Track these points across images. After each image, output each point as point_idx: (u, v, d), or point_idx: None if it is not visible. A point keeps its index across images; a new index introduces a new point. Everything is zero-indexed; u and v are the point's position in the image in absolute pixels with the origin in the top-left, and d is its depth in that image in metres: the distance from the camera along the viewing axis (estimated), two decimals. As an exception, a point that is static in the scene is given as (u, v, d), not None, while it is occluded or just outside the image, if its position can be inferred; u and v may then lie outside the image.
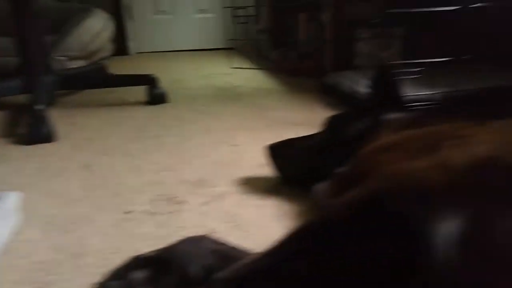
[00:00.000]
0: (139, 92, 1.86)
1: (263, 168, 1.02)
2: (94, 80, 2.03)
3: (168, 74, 2.62)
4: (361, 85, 1.49)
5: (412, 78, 1.31)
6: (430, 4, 1.38)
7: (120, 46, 3.94)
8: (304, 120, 1.45)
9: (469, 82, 1.31)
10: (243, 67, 2.57)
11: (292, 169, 0.89)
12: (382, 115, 0.77)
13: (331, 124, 0.87)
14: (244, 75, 2.48)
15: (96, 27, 2.96)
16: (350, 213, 0.39)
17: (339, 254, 0.37)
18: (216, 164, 1.07)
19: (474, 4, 1.32)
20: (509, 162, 0.39)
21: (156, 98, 1.79)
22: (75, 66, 2.59)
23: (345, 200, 0.42)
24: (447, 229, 0.34)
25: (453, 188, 0.37)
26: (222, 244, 0.62)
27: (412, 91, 1.30)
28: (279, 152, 0.90)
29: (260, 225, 0.75)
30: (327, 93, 1.84)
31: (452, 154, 0.42)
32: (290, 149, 0.89)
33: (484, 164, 0.39)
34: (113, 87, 1.98)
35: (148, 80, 1.82)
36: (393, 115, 0.76)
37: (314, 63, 2.34)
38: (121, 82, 1.93)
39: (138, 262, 0.56)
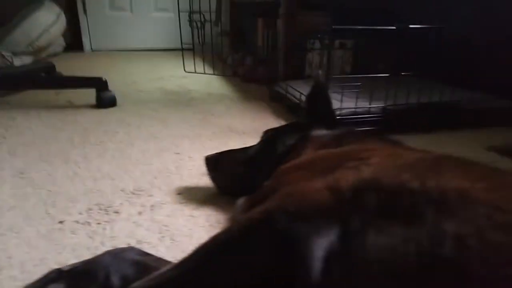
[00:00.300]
0: (88, 94, 1.83)
1: (204, 178, 1.05)
2: (39, 79, 1.97)
3: (122, 75, 2.59)
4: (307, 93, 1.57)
5: (353, 91, 1.39)
6: (375, 22, 1.47)
7: (74, 43, 3.83)
8: (251, 129, 1.50)
9: (408, 96, 1.41)
10: (198, 71, 2.58)
11: (226, 180, 0.93)
12: (310, 132, 0.82)
13: (266, 138, 0.92)
14: (199, 79, 2.50)
15: (46, 21, 2.86)
16: (245, 229, 0.43)
17: (231, 267, 0.41)
18: (156, 172, 1.09)
19: (414, 25, 1.42)
20: (387, 183, 0.45)
21: (105, 101, 1.77)
22: (20, 63, 2.49)
23: (247, 216, 0.47)
24: (322, 245, 0.39)
25: (334, 207, 0.43)
26: (146, 255, 0.64)
27: (350, 104, 1.39)
28: (215, 163, 0.94)
29: (190, 235, 0.78)
30: (276, 101, 1.90)
31: (343, 176, 0.48)
32: (225, 161, 0.93)
33: (365, 186, 0.45)
34: (60, 88, 1.93)
35: (97, 83, 1.80)
36: (320, 132, 0.82)
37: (268, 70, 2.40)
38: (69, 83, 1.89)
39: (58, 274, 0.58)
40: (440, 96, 1.46)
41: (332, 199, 0.44)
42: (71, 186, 0.99)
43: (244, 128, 1.51)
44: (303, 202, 0.44)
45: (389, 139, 0.76)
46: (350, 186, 0.45)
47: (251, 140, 1.36)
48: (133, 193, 0.96)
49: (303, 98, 1.55)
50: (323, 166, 0.57)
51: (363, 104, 1.37)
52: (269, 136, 0.91)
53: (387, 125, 1.38)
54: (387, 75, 1.47)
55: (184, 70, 2.61)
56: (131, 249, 0.65)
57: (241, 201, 0.68)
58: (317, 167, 0.57)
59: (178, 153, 1.23)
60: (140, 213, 0.87)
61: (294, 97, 1.65)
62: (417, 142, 1.37)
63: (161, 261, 0.63)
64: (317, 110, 0.90)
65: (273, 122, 1.59)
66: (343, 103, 1.36)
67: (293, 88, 1.70)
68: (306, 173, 0.55)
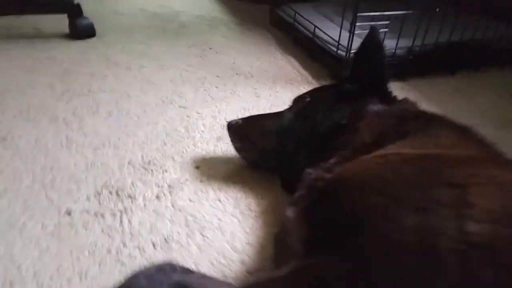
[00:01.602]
0: (58, 19, 1.57)
1: (220, 143, 0.94)
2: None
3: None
4: (322, 25, 1.39)
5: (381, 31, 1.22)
6: None
7: None
8: (258, 70, 1.34)
9: (438, 35, 1.26)
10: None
11: (255, 154, 0.82)
12: (364, 105, 0.70)
13: (304, 106, 0.79)
14: (184, -5, 2.19)
15: None
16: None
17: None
18: (164, 135, 0.96)
19: None
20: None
21: (81, 31, 1.52)
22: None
23: (289, 272, 0.40)
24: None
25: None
26: (188, 272, 0.56)
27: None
28: (241, 133, 0.82)
29: (221, 229, 0.70)
30: (279, 28, 1.70)
31: (443, 229, 0.38)
32: (253, 131, 0.81)
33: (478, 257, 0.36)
34: (22, 13, 1.64)
35: (68, 8, 1.52)
36: (375, 107, 0.70)
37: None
38: (33, 7, 1.59)
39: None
40: (473, 33, 1.31)
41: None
42: (68, 159, 0.86)
43: (251, 69, 1.35)
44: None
45: (456, 124, 0.65)
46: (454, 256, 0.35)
47: (261, 86, 1.22)
48: (144, 168, 0.84)
49: (318, 32, 1.37)
50: (408, 185, 0.47)
51: (390, 45, 1.22)
52: (308, 105, 0.78)
53: (411, 68, 1.25)
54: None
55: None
56: (168, 267, 0.57)
57: (290, 213, 0.59)
58: (400, 187, 0.47)
59: (184, 107, 1.09)
60: (158, 197, 0.77)
61: (305, 28, 1.46)
62: (441, 86, 1.28)
63: (206, 280, 0.55)
64: (367, 78, 0.75)
65: (282, 59, 1.43)
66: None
67: (302, 17, 1.50)
68: (390, 203, 0.45)
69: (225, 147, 0.92)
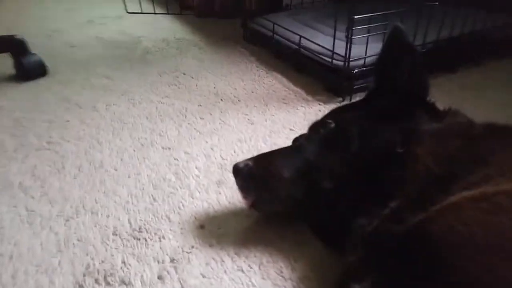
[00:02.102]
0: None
1: (222, 188, 0.78)
2: None
3: (37, 21, 2.01)
4: (307, 35, 1.26)
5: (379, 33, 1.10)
6: None
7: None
8: (244, 93, 1.19)
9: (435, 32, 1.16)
10: (142, 11, 2.09)
11: (275, 203, 0.65)
12: (414, 127, 0.56)
13: (325, 136, 0.64)
14: (141, 19, 2.02)
15: None
16: None
17: None
18: (152, 188, 0.78)
19: None
20: None
21: (29, 70, 1.31)
22: None
23: None
24: None
25: None
26: None
27: (376, 48, 1.12)
28: (253, 179, 0.65)
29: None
30: (255, 43, 1.56)
31: None
32: (269, 174, 0.64)
33: None
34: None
35: (10, 45, 1.32)
36: (428, 126, 0.56)
37: (229, 1, 1.98)
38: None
39: None
40: (472, 26, 1.22)
41: None
42: (32, 239, 0.67)
43: (235, 92, 1.20)
44: None
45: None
46: None
47: (252, 110, 1.07)
48: (135, 237, 0.66)
49: (305, 42, 1.24)
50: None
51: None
52: (336, 132, 0.63)
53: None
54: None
55: (126, 11, 2.09)
56: None
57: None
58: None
59: (169, 148, 0.92)
60: (160, 277, 0.59)
61: (288, 40, 1.33)
62: (446, 85, 1.18)
63: None
64: (400, 77, 0.62)
65: (267, 77, 1.29)
66: (367, 48, 1.08)
67: (283, 28, 1.37)
68: None
69: (230, 194, 0.76)
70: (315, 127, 0.68)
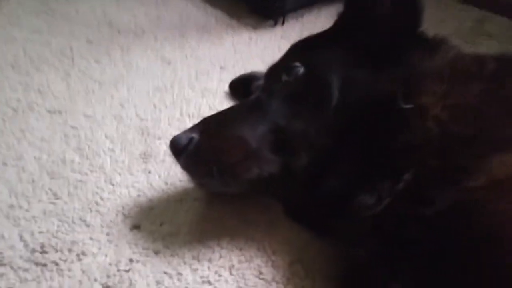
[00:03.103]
0: None
1: (148, 163, 0.58)
2: None
3: None
4: None
5: None
6: None
7: None
8: (146, 21, 0.92)
9: None
10: None
11: (238, 184, 0.49)
12: (414, 70, 0.43)
13: (292, 87, 0.47)
14: None
15: None
16: None
17: None
18: (48, 178, 0.55)
19: None
20: None
21: None
22: None
23: None
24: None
25: None
26: None
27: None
28: (206, 160, 0.46)
29: None
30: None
31: None
32: (227, 151, 0.46)
33: None
34: None
35: None
36: (432, 65, 0.43)
37: None
38: None
39: None
40: None
41: None
42: None
43: (137, 21, 0.93)
44: None
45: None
46: None
47: (165, 45, 0.84)
48: (36, 263, 0.45)
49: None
50: None
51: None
52: (308, 80, 0.47)
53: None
54: None
55: None
56: None
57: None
58: None
59: (59, 112, 0.66)
60: None
61: None
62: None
63: None
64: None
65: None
66: None
67: None
68: None
69: (163, 169, 0.57)
70: (275, 72, 0.51)
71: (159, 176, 0.57)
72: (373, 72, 0.45)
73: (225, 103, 0.70)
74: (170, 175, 0.56)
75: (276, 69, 0.51)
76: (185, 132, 0.48)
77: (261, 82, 0.54)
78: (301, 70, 0.48)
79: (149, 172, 0.57)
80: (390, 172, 0.39)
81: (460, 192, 0.35)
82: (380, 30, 0.48)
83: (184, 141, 0.47)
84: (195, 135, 0.47)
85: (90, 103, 0.68)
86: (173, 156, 0.49)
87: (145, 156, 0.59)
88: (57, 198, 0.52)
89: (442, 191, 0.36)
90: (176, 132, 0.59)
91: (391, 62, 0.45)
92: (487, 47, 0.86)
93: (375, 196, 0.40)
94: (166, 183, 0.56)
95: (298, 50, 0.52)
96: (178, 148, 0.47)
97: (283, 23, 0.91)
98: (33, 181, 0.54)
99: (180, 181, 0.56)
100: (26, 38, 0.83)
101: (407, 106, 0.40)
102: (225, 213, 0.52)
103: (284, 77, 0.49)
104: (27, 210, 0.51)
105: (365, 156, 0.42)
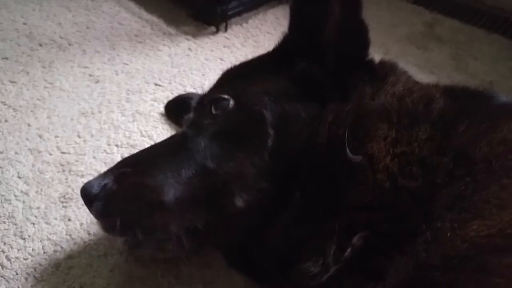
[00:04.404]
0: None
1: (70, 209, 0.52)
2: None
3: None
4: None
5: None
6: None
7: None
8: (72, 30, 0.83)
9: None
10: None
11: (161, 245, 0.43)
12: (360, 102, 0.39)
13: (222, 122, 0.42)
14: None
15: None
16: None
17: None
18: None
19: None
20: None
21: None
22: None
23: None
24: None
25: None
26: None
27: None
28: (118, 210, 0.41)
29: None
30: None
31: None
32: (147, 202, 0.41)
33: None
34: None
35: None
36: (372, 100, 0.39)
37: None
38: None
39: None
40: None
41: None
42: None
43: (63, 31, 0.83)
44: None
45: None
46: None
47: (94, 58, 0.77)
48: None
49: None
50: None
51: None
52: (238, 116, 0.42)
53: None
54: None
55: None
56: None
57: None
58: None
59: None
60: None
61: None
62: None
63: None
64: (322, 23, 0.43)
65: (105, 2, 0.93)
66: None
67: None
68: None
69: (85, 216, 0.51)
70: (203, 105, 0.45)
71: (81, 224, 0.50)
72: (314, 108, 0.41)
73: (159, 128, 0.63)
74: (94, 222, 0.50)
75: (204, 101, 0.46)
76: (98, 177, 0.42)
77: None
78: (231, 103, 0.43)
79: (69, 219, 0.51)
80: (336, 234, 0.35)
81: (412, 269, 0.31)
82: (325, 58, 0.43)
83: (95, 188, 0.41)
84: (108, 181, 0.41)
85: (0, 135, 0.60)
86: (85, 204, 0.42)
87: (65, 200, 0.53)
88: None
89: (393, 262, 0.32)
90: (101, 167, 0.53)
91: (335, 96, 0.41)
92: (438, 53, 0.85)
93: (320, 262, 0.35)
94: (88, 233, 0.49)
95: (229, 79, 0.47)
96: (89, 196, 0.41)
97: (226, 29, 0.85)
98: None
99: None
100: None
101: (355, 158, 0.36)
102: (157, 270, 0.46)
103: (213, 111, 0.44)
104: None
105: (308, 211, 0.38)
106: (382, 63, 0.45)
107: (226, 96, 0.43)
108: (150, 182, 0.41)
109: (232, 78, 0.47)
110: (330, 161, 0.37)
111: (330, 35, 0.42)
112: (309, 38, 0.43)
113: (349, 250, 0.34)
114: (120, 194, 0.41)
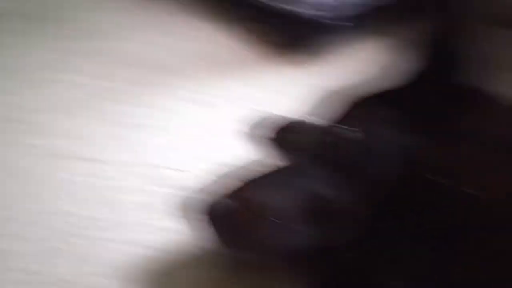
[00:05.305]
0: None
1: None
2: None
3: None
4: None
5: None
6: None
7: None
8: (183, 58, 0.91)
9: None
10: None
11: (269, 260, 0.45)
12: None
13: (352, 159, 0.43)
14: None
15: None
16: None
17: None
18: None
19: None
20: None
21: None
22: None
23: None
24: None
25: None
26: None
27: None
28: (238, 227, 0.44)
29: None
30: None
31: None
32: (263, 221, 0.43)
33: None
34: None
35: None
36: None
37: None
38: None
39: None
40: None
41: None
42: None
43: (173, 59, 0.91)
44: None
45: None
46: None
47: (211, 87, 0.83)
48: None
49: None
50: None
51: None
52: (363, 147, 0.43)
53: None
54: None
55: None
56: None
57: None
58: None
59: (93, 161, 0.65)
60: None
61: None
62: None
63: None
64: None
65: (206, 30, 1.00)
66: None
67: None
68: None
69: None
70: (322, 134, 0.46)
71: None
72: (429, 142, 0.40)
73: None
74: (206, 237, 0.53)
75: (326, 131, 0.47)
76: (221, 197, 0.46)
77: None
78: (358, 135, 0.44)
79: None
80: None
81: None
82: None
83: (218, 206, 0.45)
84: (230, 202, 0.45)
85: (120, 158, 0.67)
86: (208, 222, 0.45)
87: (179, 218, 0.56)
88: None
89: None
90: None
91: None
92: None
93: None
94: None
95: (359, 108, 0.48)
96: (213, 213, 0.45)
97: (319, 59, 0.87)
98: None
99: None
100: (69, 81, 0.84)
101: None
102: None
103: (335, 141, 0.45)
104: None
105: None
106: None
107: (352, 127, 0.45)
108: (269, 203, 0.43)
109: (361, 108, 0.48)
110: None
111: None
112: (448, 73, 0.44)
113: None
114: (241, 212, 0.43)
